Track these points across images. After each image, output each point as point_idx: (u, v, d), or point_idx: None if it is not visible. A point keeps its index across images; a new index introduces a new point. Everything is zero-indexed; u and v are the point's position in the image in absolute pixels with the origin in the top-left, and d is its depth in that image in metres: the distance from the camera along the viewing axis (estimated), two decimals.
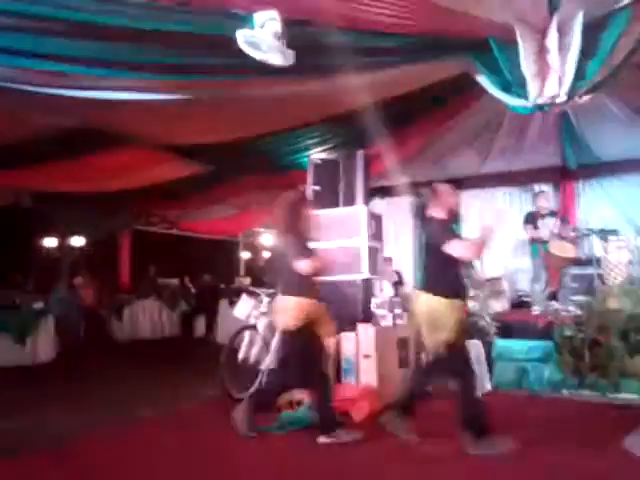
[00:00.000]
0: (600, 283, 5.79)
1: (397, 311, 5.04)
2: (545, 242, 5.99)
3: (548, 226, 6.15)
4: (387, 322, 4.66)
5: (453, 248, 3.13)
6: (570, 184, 7.75)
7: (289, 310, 3.30)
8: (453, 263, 3.20)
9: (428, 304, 3.17)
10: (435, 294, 3.15)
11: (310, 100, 4.98)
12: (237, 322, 4.86)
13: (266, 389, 3.70)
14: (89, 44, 3.72)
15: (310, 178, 5.78)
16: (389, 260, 7.86)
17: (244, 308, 4.68)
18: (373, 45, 4.45)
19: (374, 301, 4.91)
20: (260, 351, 4.25)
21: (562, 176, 7.72)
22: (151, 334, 9.42)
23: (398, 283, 7.87)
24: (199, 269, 11.57)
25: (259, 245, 12.65)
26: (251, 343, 4.32)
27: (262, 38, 3.60)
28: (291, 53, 3.74)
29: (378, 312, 4.78)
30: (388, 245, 8.55)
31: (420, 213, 3.90)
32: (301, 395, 3.74)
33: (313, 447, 3.12)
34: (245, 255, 13.03)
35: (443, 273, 3.20)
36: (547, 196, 6.62)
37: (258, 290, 4.87)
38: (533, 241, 6.20)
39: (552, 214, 6.39)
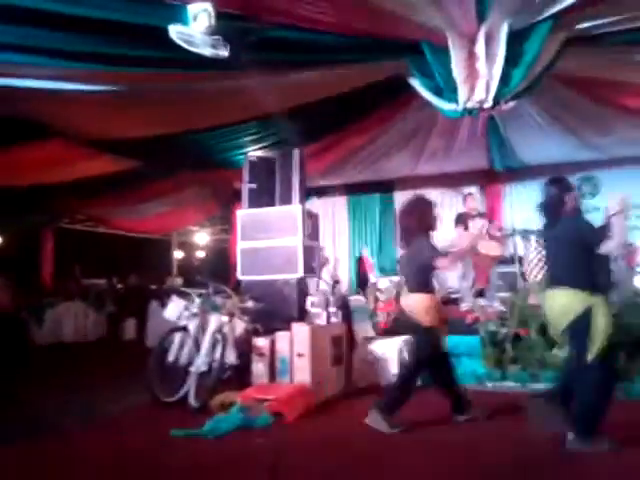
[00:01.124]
0: (522, 280, 6.14)
1: (332, 309, 5.08)
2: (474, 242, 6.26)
3: (477, 227, 6.43)
4: (321, 320, 4.68)
5: None
6: (496, 186, 8.18)
7: (427, 308, 3.53)
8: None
9: None
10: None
11: (246, 97, 4.90)
12: (168, 324, 4.69)
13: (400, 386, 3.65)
14: (10, 29, 3.48)
15: (246, 176, 5.70)
16: (326, 259, 7.93)
17: (174, 309, 4.52)
18: (311, 43, 4.47)
19: (309, 300, 4.91)
20: (190, 353, 4.12)
21: (489, 178, 8.13)
22: (75, 337, 8.91)
23: (335, 282, 7.96)
24: (128, 269, 11.12)
25: (193, 244, 12.33)
26: (181, 345, 4.18)
27: (194, 31, 3.51)
28: (225, 47, 3.67)
29: (313, 311, 4.79)
30: (324, 245, 8.63)
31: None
32: (233, 396, 3.67)
33: (246, 449, 3.07)
34: (179, 254, 12.66)
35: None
36: (476, 198, 6.93)
37: (189, 290, 4.72)
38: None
39: (481, 215, 6.70)
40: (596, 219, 7.50)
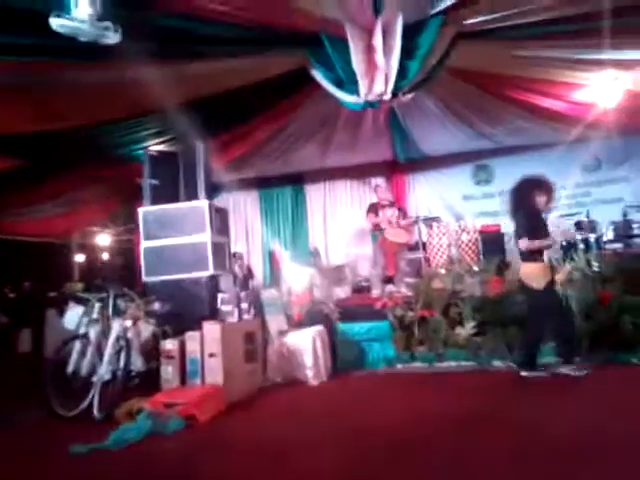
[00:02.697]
0: (427, 266, 6.44)
1: (244, 306, 5.00)
2: (383, 230, 6.47)
3: (387, 215, 6.65)
4: (233, 318, 4.59)
5: None
6: (401, 177, 8.50)
7: (536, 273, 4.09)
8: None
9: None
10: None
11: (140, 89, 4.64)
12: (68, 333, 4.35)
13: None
14: None
15: (146, 171, 5.41)
16: (239, 255, 7.80)
17: (73, 317, 4.21)
18: (210, 34, 4.32)
19: (220, 297, 4.80)
20: (92, 362, 3.85)
21: (394, 169, 8.43)
22: None
23: (248, 277, 7.86)
24: (23, 276, 10.19)
25: (96, 246, 11.57)
26: (82, 354, 3.90)
27: (77, 18, 3.24)
28: (115, 33, 3.43)
29: (224, 308, 4.68)
30: (237, 240, 8.49)
31: None
32: (141, 403, 3.48)
33: (155, 456, 2.93)
34: (80, 258, 11.79)
35: None
36: (384, 188, 7.16)
37: (88, 296, 4.40)
38: (373, 230, 6.64)
39: (391, 204, 6.93)
40: (490, 205, 8.00)
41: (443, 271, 5.74)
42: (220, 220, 5.43)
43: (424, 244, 6.72)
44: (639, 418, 2.99)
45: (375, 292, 6.16)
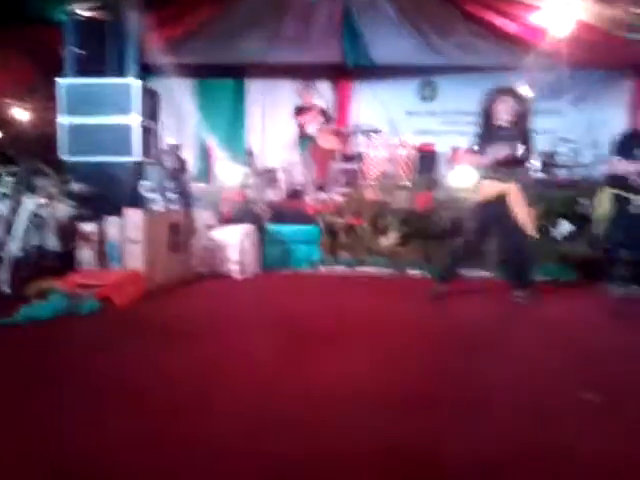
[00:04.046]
0: (361, 176, 6.49)
1: (172, 196, 4.85)
2: (312, 136, 6.37)
3: (312, 120, 6.50)
4: (158, 207, 4.46)
5: None
6: (346, 83, 8.22)
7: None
8: None
9: None
10: None
11: None
12: None
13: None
14: None
15: (68, 38, 4.84)
16: (173, 146, 7.41)
17: None
18: None
19: (145, 185, 4.61)
20: (2, 237, 3.64)
21: (340, 74, 8.10)
22: None
23: (179, 169, 7.56)
24: None
25: (11, 120, 10.55)
26: None
27: None
28: None
29: (149, 196, 4.52)
30: (169, 130, 8.02)
31: None
32: (54, 283, 3.38)
33: (69, 334, 2.91)
34: None
35: None
36: (316, 92, 6.93)
37: None
38: (304, 135, 6.52)
39: (322, 110, 6.76)
40: (432, 123, 7.94)
41: (376, 183, 5.83)
42: (150, 104, 5.06)
43: (361, 155, 6.71)
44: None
45: (307, 198, 6.18)
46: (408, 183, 5.88)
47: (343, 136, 7.05)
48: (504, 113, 3.76)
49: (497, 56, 6.90)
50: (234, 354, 2.66)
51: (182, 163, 7.72)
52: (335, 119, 7.22)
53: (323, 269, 5.17)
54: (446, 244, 4.61)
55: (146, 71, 6.05)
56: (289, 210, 5.73)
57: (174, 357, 2.55)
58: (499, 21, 5.98)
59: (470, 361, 2.64)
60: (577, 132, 7.28)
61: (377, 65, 7.56)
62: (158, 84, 7.57)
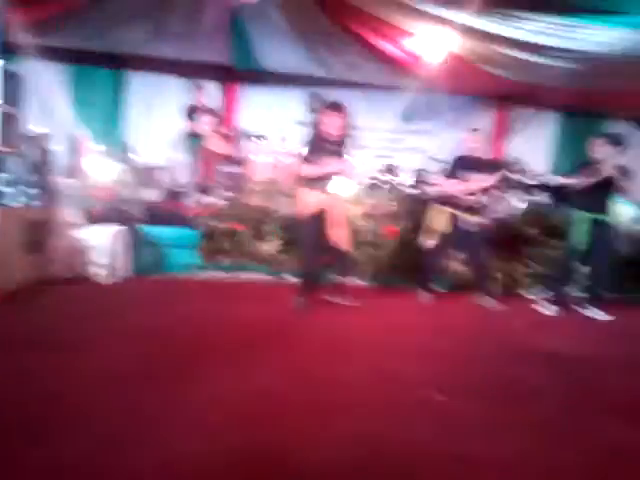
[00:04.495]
0: (246, 181, 6.43)
1: (32, 191, 4.40)
2: (202, 137, 6.20)
3: (206, 122, 6.35)
4: (16, 202, 4.02)
5: None
6: (234, 85, 8.11)
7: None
8: None
9: None
10: None
11: None
12: None
13: None
14: None
15: None
16: (39, 136, 6.70)
17: None
18: None
19: (1, 177, 4.13)
20: None
21: (228, 76, 7.98)
22: None
23: (44, 162, 6.86)
24: None
25: None
26: None
27: None
28: None
29: (5, 190, 4.06)
30: (34, 119, 7.26)
31: None
32: None
33: None
34: None
35: None
36: (206, 92, 6.78)
37: None
38: (191, 135, 6.32)
39: (211, 111, 6.61)
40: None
41: (260, 188, 5.81)
42: (12, 87, 4.56)
43: (246, 160, 6.66)
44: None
45: (190, 200, 5.98)
46: (291, 190, 5.94)
47: (230, 139, 6.95)
48: (332, 128, 3.91)
49: (379, 76, 7.30)
50: (96, 368, 2.46)
51: (47, 155, 7.03)
52: (231, 123, 7.11)
53: (202, 274, 5.02)
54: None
55: (8, 52, 5.43)
56: (167, 212, 5.50)
57: (35, 372, 2.31)
58: (380, 43, 6.31)
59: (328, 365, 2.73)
60: (446, 152, 7.94)
61: (265, 71, 7.58)
62: (24, 67, 6.87)
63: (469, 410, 2.32)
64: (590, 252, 4.58)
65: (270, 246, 5.16)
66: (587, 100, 7.75)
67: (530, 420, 2.28)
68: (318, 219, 3.98)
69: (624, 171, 4.61)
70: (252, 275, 5.06)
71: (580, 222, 4.56)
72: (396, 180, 6.80)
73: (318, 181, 3.94)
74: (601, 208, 4.55)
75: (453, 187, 4.59)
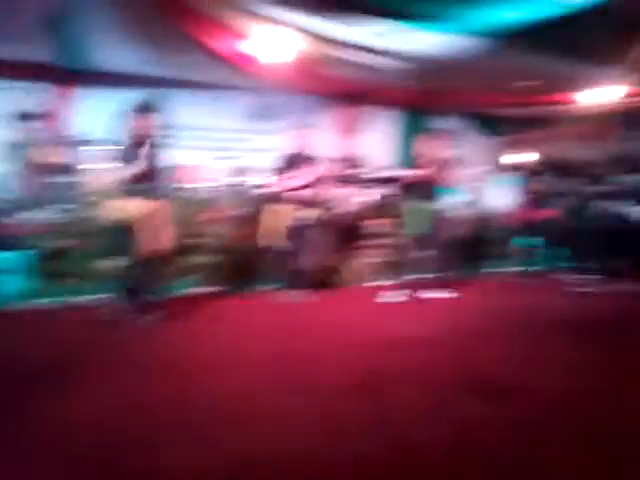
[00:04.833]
0: (81, 191, 5.83)
1: None
2: (27, 146, 5.51)
3: (35, 128, 5.67)
4: None
5: None
6: (65, 87, 7.32)
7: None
8: None
9: None
10: None
11: None
12: None
13: None
14: None
15: None
16: None
17: None
18: None
19: None
20: None
21: (56, 77, 7.16)
22: None
23: None
24: None
25: None
26: None
27: None
28: None
29: None
30: None
31: None
32: None
33: None
34: None
35: None
36: (33, 95, 6.05)
37: None
38: (18, 144, 5.60)
39: (41, 116, 5.92)
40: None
41: (99, 198, 5.31)
42: None
43: (78, 168, 6.05)
44: None
45: (14, 218, 5.26)
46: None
47: (63, 147, 6.28)
48: (141, 129, 3.93)
49: (220, 76, 7.14)
50: None
51: None
52: (60, 128, 6.40)
53: (41, 301, 4.45)
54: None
55: None
56: None
57: None
58: (218, 45, 6.15)
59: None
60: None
61: (99, 71, 6.96)
62: None
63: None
64: (428, 238, 4.97)
65: (113, 262, 4.74)
66: (424, 98, 8.43)
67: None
68: (135, 226, 3.83)
69: (455, 162, 5.09)
70: (90, 296, 4.60)
71: (414, 211, 4.92)
72: (245, 182, 6.74)
73: (135, 186, 3.81)
74: (430, 197, 4.96)
75: (283, 184, 4.71)
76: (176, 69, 7.00)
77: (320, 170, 4.86)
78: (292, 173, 4.67)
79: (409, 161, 6.00)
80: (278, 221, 4.70)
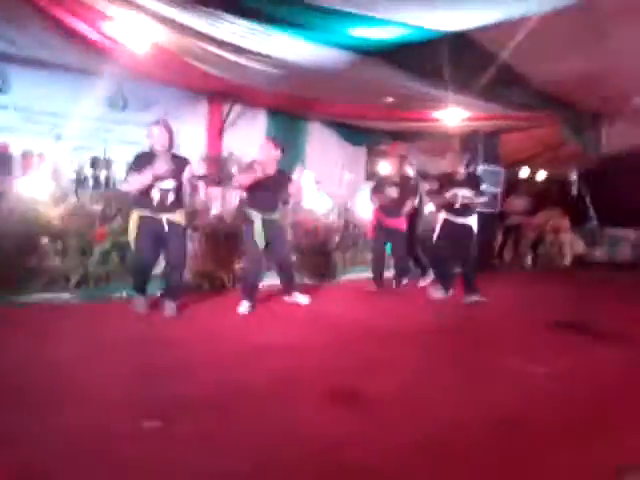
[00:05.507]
0: None
1: None
2: None
3: None
4: None
5: None
6: None
7: None
8: None
9: None
10: None
11: None
12: None
13: None
14: None
15: None
16: None
17: None
18: None
19: None
20: None
21: None
22: None
23: None
24: None
25: None
26: None
27: None
28: None
29: None
30: None
31: None
32: None
33: None
34: None
35: None
36: None
37: None
38: None
39: None
40: (5, 118, 6.86)
41: None
42: None
43: None
44: None
45: None
46: None
47: None
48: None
49: (75, 58, 6.54)
50: None
51: None
52: None
53: None
54: None
55: None
56: None
57: None
58: (74, 23, 5.62)
59: None
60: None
61: None
62: None
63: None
64: (271, 249, 5.05)
65: None
66: (289, 102, 8.60)
67: None
68: None
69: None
70: None
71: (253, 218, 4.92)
72: (104, 175, 6.24)
73: None
74: (271, 207, 5.02)
75: (136, 185, 4.33)
76: (24, 45, 6.23)
77: (187, 169, 4.62)
78: (147, 172, 4.32)
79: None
80: (135, 224, 4.36)
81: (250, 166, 5.02)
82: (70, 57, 6.53)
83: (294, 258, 5.77)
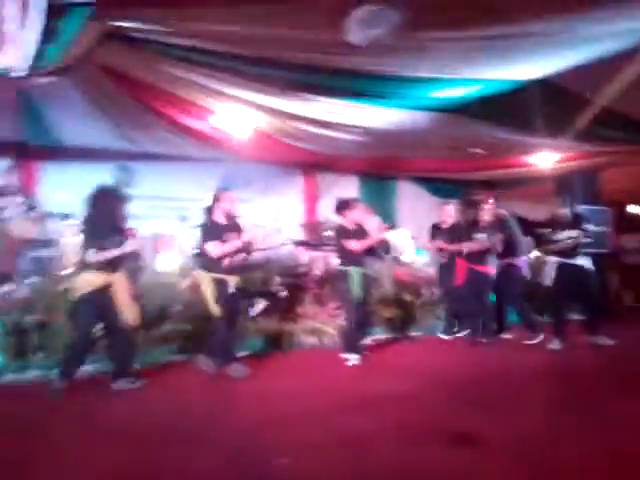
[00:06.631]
0: (56, 265, 5.92)
1: None
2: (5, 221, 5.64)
3: (6, 204, 5.81)
4: None
5: None
6: (31, 163, 7.53)
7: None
8: None
9: None
10: None
11: None
12: None
13: None
14: None
15: None
16: None
17: None
18: None
19: None
20: None
21: (22, 153, 7.34)
22: None
23: None
24: None
25: None
26: None
27: None
28: None
29: None
30: None
31: None
32: None
33: None
34: None
35: None
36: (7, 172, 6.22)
37: None
38: None
39: (10, 191, 6.07)
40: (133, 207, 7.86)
41: (70, 271, 5.42)
42: None
43: (55, 242, 6.17)
44: None
45: None
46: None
47: (37, 221, 6.40)
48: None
49: (192, 149, 7.54)
50: None
51: None
52: (33, 204, 6.55)
53: (12, 377, 4.41)
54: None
55: None
56: None
57: None
58: (187, 120, 6.59)
59: None
60: (265, 219, 8.38)
61: (66, 146, 7.20)
62: None
63: None
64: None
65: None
66: (378, 165, 9.08)
67: None
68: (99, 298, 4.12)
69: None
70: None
71: (353, 274, 5.23)
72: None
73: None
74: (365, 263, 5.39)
75: (212, 251, 4.60)
76: (143, 143, 7.32)
77: (250, 236, 4.86)
78: (222, 238, 4.66)
79: None
80: (209, 288, 4.57)
81: (343, 230, 5.41)
82: (185, 149, 7.55)
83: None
